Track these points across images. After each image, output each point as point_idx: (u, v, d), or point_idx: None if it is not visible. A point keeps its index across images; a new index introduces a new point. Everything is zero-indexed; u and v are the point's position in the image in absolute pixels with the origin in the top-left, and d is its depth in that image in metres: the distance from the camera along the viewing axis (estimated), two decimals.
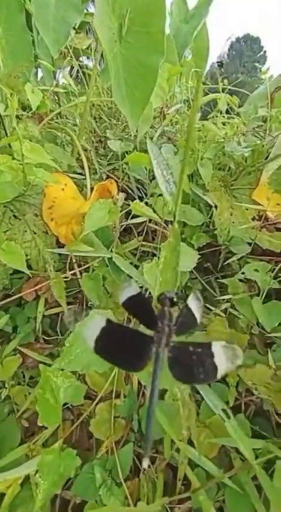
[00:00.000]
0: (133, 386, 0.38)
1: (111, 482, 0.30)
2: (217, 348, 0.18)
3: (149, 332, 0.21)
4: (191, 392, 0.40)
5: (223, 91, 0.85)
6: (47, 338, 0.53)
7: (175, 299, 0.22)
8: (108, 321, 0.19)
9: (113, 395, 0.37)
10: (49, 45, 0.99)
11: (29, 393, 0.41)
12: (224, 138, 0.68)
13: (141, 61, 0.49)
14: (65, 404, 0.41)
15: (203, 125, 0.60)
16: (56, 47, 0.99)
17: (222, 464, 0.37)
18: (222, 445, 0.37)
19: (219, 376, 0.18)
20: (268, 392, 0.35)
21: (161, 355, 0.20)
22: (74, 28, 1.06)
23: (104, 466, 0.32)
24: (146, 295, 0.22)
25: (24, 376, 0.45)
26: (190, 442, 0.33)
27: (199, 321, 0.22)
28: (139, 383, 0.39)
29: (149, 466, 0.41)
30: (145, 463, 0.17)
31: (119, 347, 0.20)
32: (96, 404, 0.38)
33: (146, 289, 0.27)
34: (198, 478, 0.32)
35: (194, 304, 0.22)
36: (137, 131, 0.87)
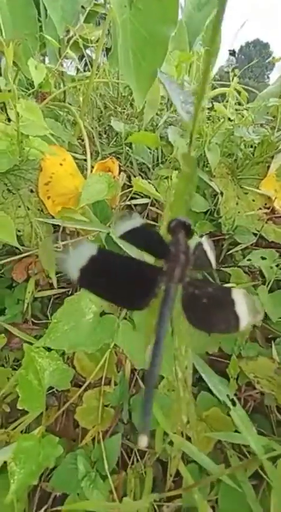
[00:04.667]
0: (125, 373, 0.35)
1: (96, 475, 0.28)
2: (238, 295, 0.15)
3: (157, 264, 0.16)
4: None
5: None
6: (36, 321, 0.51)
7: (191, 226, 0.17)
8: (101, 250, 0.15)
9: (103, 382, 0.34)
10: (56, 23, 0.96)
11: (12, 375, 0.38)
12: (232, 126, 0.65)
13: (151, 30, 0.46)
14: (50, 389, 0.38)
15: (212, 105, 0.58)
16: (63, 24, 0.96)
17: (217, 461, 0.35)
18: (218, 441, 0.34)
19: (241, 328, 0.14)
20: (271, 386, 0.32)
21: (173, 291, 0.15)
22: (83, 7, 1.03)
23: (88, 457, 0.29)
24: (154, 228, 0.18)
25: (7, 358, 0.42)
26: (183, 436, 0.30)
27: (214, 264, 0.18)
28: (132, 370, 0.36)
29: (137, 460, 0.38)
30: (143, 440, 0.12)
31: (114, 278, 0.15)
32: (85, 390, 0.35)
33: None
34: (191, 474, 0.29)
35: (207, 245, 0.18)
36: (142, 119, 0.84)
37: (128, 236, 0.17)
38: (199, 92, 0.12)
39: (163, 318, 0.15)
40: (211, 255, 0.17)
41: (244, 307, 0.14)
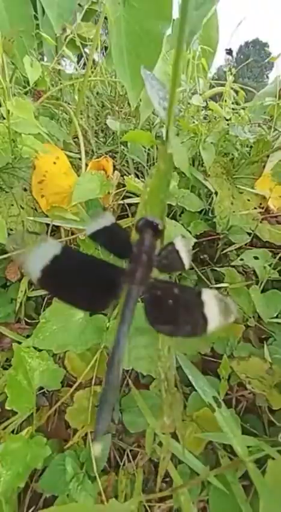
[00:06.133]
0: None
1: (84, 476, 0.27)
2: (209, 296, 0.14)
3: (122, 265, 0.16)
4: (180, 384, 0.37)
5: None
6: (29, 321, 0.50)
7: (159, 226, 0.17)
8: (65, 248, 0.14)
9: (93, 382, 0.34)
10: (53, 21, 0.95)
11: (3, 375, 0.37)
12: (228, 124, 0.65)
13: (145, 28, 0.46)
14: (41, 389, 0.38)
15: (208, 105, 0.57)
16: (60, 22, 0.96)
17: (208, 462, 0.34)
18: (209, 442, 0.34)
19: (209, 330, 0.14)
20: (262, 386, 0.32)
21: (135, 293, 0.15)
22: (80, 5, 1.02)
23: (77, 458, 0.29)
24: (123, 228, 0.17)
25: None
26: (175, 436, 0.30)
27: (186, 264, 0.17)
28: (123, 371, 0.36)
29: (129, 461, 0.38)
30: (96, 448, 0.13)
31: (75, 279, 0.15)
32: (76, 390, 0.35)
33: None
34: (181, 475, 0.29)
35: (181, 244, 0.17)
36: (138, 118, 0.83)
37: (97, 235, 0.17)
38: (171, 90, 0.11)
39: (124, 320, 0.14)
40: (185, 255, 0.17)
41: (215, 309, 0.13)
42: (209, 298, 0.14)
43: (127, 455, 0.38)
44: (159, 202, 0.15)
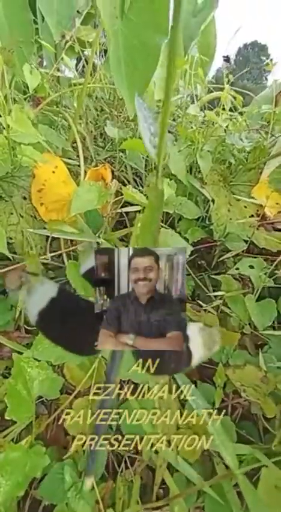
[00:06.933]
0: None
1: (82, 485, 0.28)
2: (193, 330, 0.14)
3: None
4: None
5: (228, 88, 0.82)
6: (29, 328, 0.51)
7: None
8: (62, 291, 0.15)
9: (92, 390, 0.34)
10: (52, 28, 0.96)
11: (3, 384, 0.38)
12: (225, 132, 0.66)
13: (143, 41, 0.47)
14: (40, 398, 0.38)
15: (205, 114, 0.58)
16: (59, 29, 0.97)
17: (204, 469, 0.35)
18: (205, 449, 0.34)
19: (193, 365, 0.14)
20: (256, 394, 0.33)
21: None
22: (78, 12, 1.03)
23: (76, 467, 0.30)
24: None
25: None
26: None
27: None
28: (120, 379, 0.36)
29: (127, 467, 0.39)
30: (87, 482, 0.13)
31: (70, 324, 0.15)
32: (75, 398, 0.35)
33: None
34: (178, 483, 0.30)
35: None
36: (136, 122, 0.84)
37: (90, 274, 0.17)
38: (161, 134, 0.12)
39: (114, 363, 0.15)
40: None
41: (199, 342, 0.14)
42: (194, 331, 0.14)
43: (125, 461, 0.38)
44: (150, 236, 0.16)
